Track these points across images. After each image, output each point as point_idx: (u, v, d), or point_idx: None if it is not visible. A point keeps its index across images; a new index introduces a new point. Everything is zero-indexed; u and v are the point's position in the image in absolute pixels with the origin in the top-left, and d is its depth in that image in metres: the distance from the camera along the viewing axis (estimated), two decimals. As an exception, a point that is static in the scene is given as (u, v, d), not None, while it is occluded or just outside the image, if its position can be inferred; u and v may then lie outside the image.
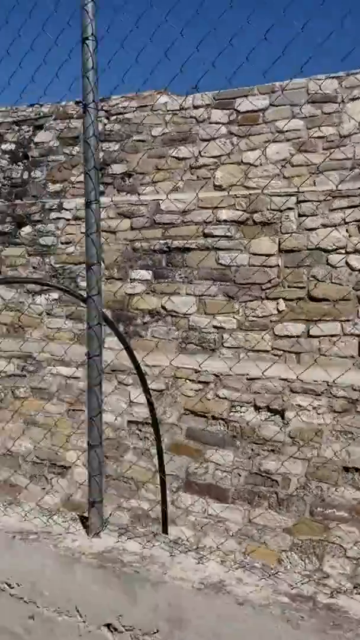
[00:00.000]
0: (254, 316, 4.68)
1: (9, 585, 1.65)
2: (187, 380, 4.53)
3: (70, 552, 1.60)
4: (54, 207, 5.86)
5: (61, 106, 6.92)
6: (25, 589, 1.62)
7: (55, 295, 5.70)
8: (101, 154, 5.90)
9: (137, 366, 2.54)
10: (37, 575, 1.60)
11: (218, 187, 5.27)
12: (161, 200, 5.27)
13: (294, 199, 4.65)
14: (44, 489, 4.88)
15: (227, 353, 4.74)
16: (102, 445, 1.73)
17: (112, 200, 5.54)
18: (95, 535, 1.69)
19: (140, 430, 4.69)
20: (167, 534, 2.09)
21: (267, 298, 4.63)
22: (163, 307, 5.11)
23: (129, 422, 4.75)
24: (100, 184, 5.92)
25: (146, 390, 2.62)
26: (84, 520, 1.79)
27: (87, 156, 1.64)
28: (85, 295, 1.81)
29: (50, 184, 6.18)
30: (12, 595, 1.65)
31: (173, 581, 1.46)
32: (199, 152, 5.41)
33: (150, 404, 2.67)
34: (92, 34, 1.55)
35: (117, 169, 5.80)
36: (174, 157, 5.51)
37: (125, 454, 4.71)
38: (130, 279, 5.33)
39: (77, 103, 6.76)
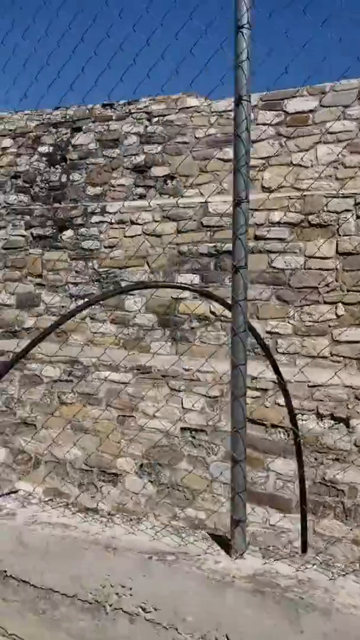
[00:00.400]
0: (310, 321, 4.57)
1: (144, 609, 1.55)
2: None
3: (217, 574, 1.50)
4: (96, 211, 5.78)
5: (88, 109, 6.85)
6: (164, 614, 1.52)
7: (99, 299, 5.61)
8: (142, 157, 5.83)
9: (281, 382, 2.41)
10: (178, 599, 1.50)
11: (266, 189, 5.17)
12: (209, 202, 5.17)
13: (351, 200, 4.55)
14: (93, 497, 4.78)
15: (282, 359, 4.63)
16: (245, 460, 1.63)
17: (157, 204, 5.45)
18: (239, 556, 1.59)
19: (194, 438, 4.58)
20: (305, 552, 1.99)
21: (325, 302, 4.52)
22: (212, 312, 5.00)
23: (182, 429, 4.64)
24: (141, 187, 5.87)
25: (290, 411, 2.49)
26: (215, 539, 1.69)
27: (239, 152, 1.54)
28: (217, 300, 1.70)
29: (89, 187, 6.10)
30: (148, 620, 1.55)
31: (344, 608, 1.36)
32: (246, 154, 5.31)
33: (292, 419, 2.54)
34: (247, 22, 1.46)
35: (159, 171, 5.72)
36: (219, 158, 5.43)
37: (179, 462, 4.60)
38: (177, 283, 5.23)
39: (103, 106, 6.69)
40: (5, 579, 1.75)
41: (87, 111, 6.81)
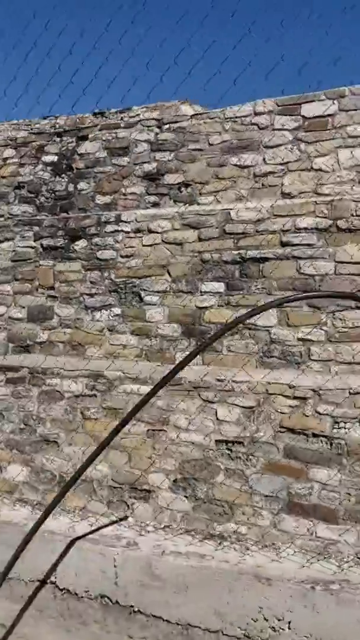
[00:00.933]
0: (344, 327, 4.51)
1: (305, 643, 1.43)
2: (281, 396, 4.33)
3: (395, 603, 1.39)
4: (110, 220, 5.64)
5: (78, 117, 6.73)
6: (331, 648, 1.40)
7: (117, 310, 5.46)
8: (154, 164, 5.73)
9: None
10: (349, 631, 1.38)
11: (287, 195, 5.12)
12: (231, 209, 5.09)
13: (381, 204, 4.51)
14: (125, 516, 4.59)
15: (315, 366, 4.56)
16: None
17: (176, 211, 5.34)
18: None
19: (230, 450, 4.46)
20: None
21: (358, 307, 4.47)
22: (239, 320, 4.90)
23: (217, 441, 4.52)
24: (154, 195, 5.76)
25: None
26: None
27: None
28: None
29: (99, 195, 5.98)
30: (312, 656, 1.42)
31: None
32: (264, 160, 5.26)
33: None
34: None
35: (172, 179, 5.63)
36: (235, 165, 5.37)
37: (216, 476, 4.47)
38: (201, 292, 5.13)
39: (94, 115, 6.58)
40: (131, 615, 1.61)
41: (77, 120, 6.68)
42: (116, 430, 2.06)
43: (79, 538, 1.70)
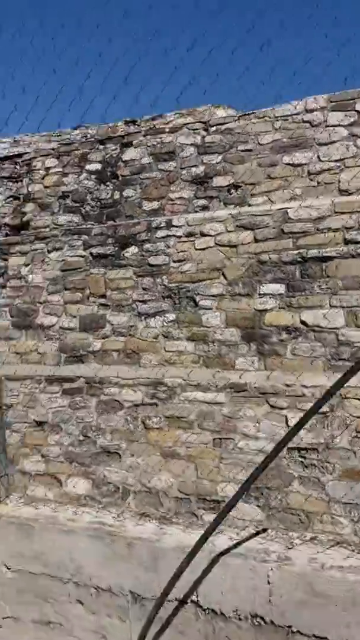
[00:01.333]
0: None
1: None
2: (357, 400, 4.16)
3: None
4: (161, 225, 5.54)
5: (110, 126, 6.64)
6: None
7: (171, 316, 5.34)
8: (202, 168, 5.62)
9: None
10: None
11: (345, 192, 4.97)
12: (289, 208, 4.95)
13: None
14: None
15: (388, 367, 4.37)
16: None
17: (230, 213, 5.22)
18: None
19: (304, 458, 4.29)
20: None
21: None
22: (303, 322, 4.75)
23: (289, 448, 4.35)
24: (202, 198, 5.63)
25: None
26: None
27: None
28: None
29: (145, 202, 5.87)
30: None
31: None
32: (318, 157, 5.12)
33: None
34: None
35: (221, 181, 5.51)
36: (288, 164, 5.22)
37: (290, 484, 4.31)
38: (260, 294, 4.98)
39: (126, 123, 6.49)
40: (289, 636, 1.47)
41: (109, 129, 6.60)
42: (276, 452, 1.92)
43: (223, 553, 1.58)
